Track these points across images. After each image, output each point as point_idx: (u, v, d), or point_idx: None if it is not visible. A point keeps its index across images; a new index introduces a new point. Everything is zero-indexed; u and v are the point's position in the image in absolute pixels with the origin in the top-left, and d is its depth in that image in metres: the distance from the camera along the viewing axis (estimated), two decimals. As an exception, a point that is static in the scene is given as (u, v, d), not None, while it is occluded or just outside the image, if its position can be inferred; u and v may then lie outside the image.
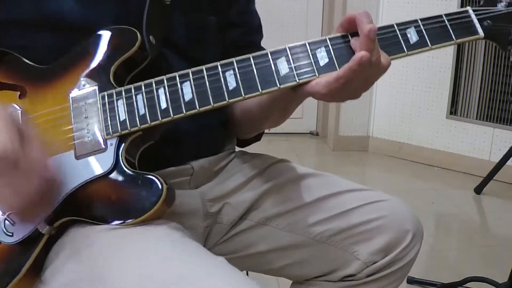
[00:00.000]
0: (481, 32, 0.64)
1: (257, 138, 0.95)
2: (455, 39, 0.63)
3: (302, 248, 0.83)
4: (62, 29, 0.69)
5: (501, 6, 0.64)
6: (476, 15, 0.64)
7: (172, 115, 0.64)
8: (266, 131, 0.94)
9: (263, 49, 0.91)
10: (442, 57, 2.61)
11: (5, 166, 0.54)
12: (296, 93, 0.65)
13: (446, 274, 1.66)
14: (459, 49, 2.58)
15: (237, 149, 0.95)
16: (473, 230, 2.11)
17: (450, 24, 0.63)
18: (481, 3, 0.65)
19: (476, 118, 2.60)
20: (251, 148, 0.96)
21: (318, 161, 3.00)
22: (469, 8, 0.64)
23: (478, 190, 2.40)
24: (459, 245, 2.00)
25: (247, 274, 0.93)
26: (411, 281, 1.62)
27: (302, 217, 0.82)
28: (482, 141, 2.60)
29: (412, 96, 2.78)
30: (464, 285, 1.56)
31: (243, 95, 0.63)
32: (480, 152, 2.61)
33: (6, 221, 0.64)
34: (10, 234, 0.64)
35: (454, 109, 2.67)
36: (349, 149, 2.99)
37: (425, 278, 1.62)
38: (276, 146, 2.88)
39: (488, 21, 0.64)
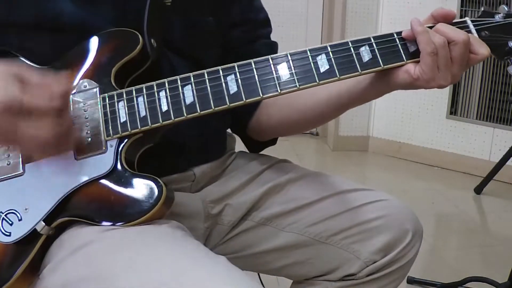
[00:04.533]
0: None
1: (273, 141, 0.94)
2: None
3: (302, 248, 0.83)
4: (61, 31, 0.69)
5: (498, 18, 0.65)
6: (474, 25, 0.65)
7: (173, 117, 0.64)
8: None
9: (273, 41, 0.91)
10: (442, 57, 2.60)
11: (12, 114, 0.54)
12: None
13: (446, 274, 1.66)
14: (459, 49, 2.57)
15: (237, 149, 0.95)
16: (473, 230, 2.11)
17: None
18: (479, 14, 0.66)
19: (476, 118, 2.60)
20: (251, 148, 0.96)
21: (318, 161, 3.00)
22: (467, 19, 0.65)
23: (478, 190, 2.40)
24: (459, 245, 2.00)
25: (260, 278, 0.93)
26: (411, 281, 1.62)
27: (302, 217, 0.83)
28: (482, 141, 2.60)
29: (412, 96, 2.77)
30: (464, 285, 1.56)
31: (244, 99, 0.64)
32: (480, 152, 2.61)
33: (4, 221, 0.64)
34: (8, 233, 0.64)
35: (454, 109, 2.67)
36: (349, 149, 2.99)
37: (425, 278, 1.62)
38: (276, 146, 2.86)
39: (486, 32, 0.65)
